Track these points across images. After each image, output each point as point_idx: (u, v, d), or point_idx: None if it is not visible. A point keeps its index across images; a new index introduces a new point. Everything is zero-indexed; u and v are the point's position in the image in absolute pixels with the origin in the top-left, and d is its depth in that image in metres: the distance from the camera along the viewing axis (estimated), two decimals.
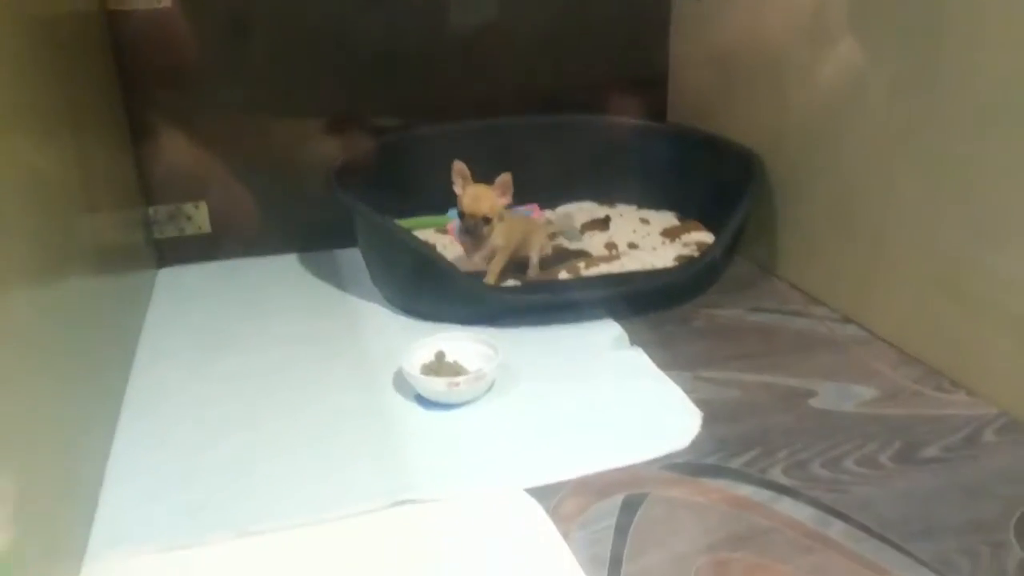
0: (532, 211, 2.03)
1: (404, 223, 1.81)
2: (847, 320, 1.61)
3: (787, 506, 1.10)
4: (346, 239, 1.84)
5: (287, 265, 1.94)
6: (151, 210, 1.89)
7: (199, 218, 1.92)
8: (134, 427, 1.30)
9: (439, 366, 1.38)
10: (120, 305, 1.54)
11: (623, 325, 1.59)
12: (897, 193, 1.48)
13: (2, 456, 0.82)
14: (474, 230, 1.60)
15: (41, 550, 0.91)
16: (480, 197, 1.60)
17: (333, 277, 1.86)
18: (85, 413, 1.17)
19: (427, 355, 1.39)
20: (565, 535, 1.04)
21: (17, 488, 0.85)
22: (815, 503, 1.10)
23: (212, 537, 1.04)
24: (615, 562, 1.00)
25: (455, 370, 1.37)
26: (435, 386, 1.32)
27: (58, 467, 1.01)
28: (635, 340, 1.54)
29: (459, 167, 1.61)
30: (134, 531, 1.06)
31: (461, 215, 1.61)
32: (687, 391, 1.37)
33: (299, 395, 1.38)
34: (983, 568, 0.98)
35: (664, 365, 1.45)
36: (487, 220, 1.59)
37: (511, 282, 1.71)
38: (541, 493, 1.12)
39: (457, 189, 1.62)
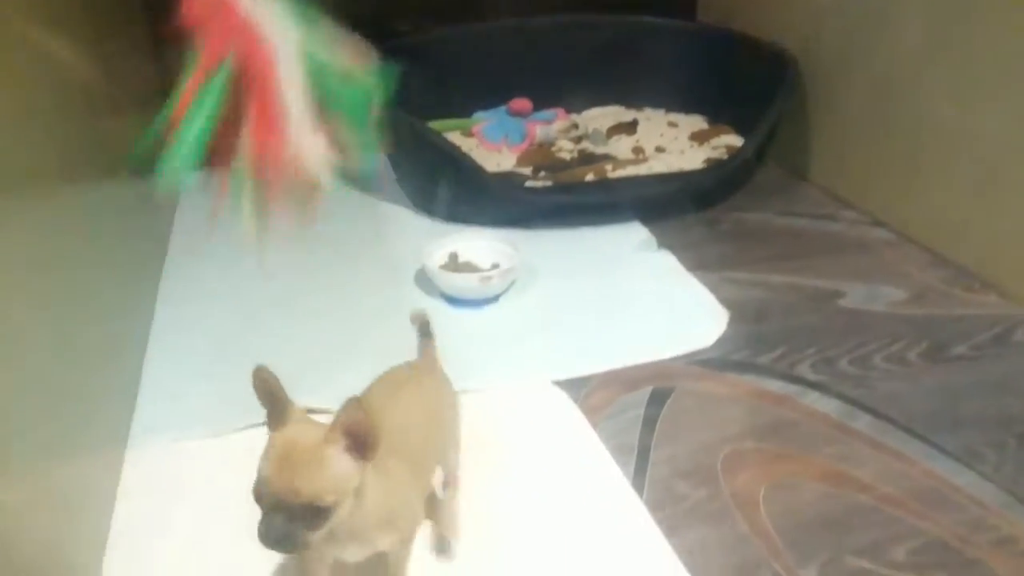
0: (557, 115, 2.00)
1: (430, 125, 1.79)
2: (878, 223, 1.59)
3: (814, 399, 1.11)
4: None
5: None
6: None
7: None
8: (169, 316, 1.32)
9: (454, 267, 1.39)
10: (149, 204, 1.54)
11: (650, 228, 1.58)
12: (933, 93, 1.43)
13: (54, 339, 0.85)
14: (284, 539, 0.63)
15: (87, 437, 0.94)
16: (297, 463, 0.64)
17: (359, 179, 1.84)
18: (123, 301, 1.20)
19: (441, 256, 1.40)
20: (594, 425, 1.07)
21: (63, 372, 0.87)
22: (842, 397, 1.11)
23: (247, 424, 1.07)
24: (643, 450, 1.02)
25: (471, 269, 1.38)
26: (467, 282, 1.32)
27: (100, 352, 1.04)
28: (662, 243, 1.53)
29: (260, 375, 0.69)
30: (172, 419, 1.09)
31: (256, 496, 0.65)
32: (714, 291, 1.37)
33: (326, 295, 1.39)
34: (1009, 458, 1.00)
35: (691, 266, 1.45)
36: (317, 512, 0.64)
37: (540, 183, 1.70)
38: (570, 385, 1.14)
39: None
